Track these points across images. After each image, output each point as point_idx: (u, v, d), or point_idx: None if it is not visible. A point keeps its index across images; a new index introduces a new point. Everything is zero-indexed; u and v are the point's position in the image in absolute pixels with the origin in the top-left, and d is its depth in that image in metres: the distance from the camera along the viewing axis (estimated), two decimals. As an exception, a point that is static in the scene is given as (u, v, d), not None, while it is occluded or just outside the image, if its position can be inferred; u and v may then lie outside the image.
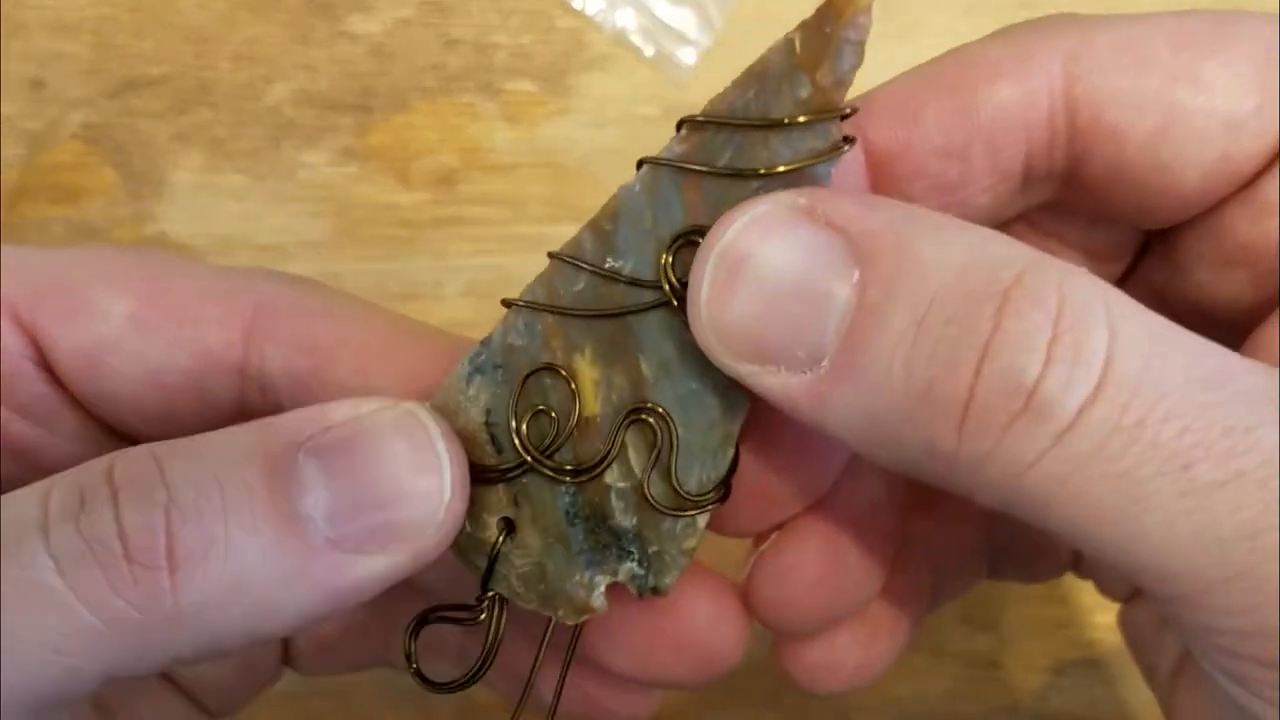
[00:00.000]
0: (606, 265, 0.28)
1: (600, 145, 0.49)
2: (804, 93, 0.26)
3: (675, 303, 0.27)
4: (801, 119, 0.26)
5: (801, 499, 0.31)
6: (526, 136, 0.49)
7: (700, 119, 0.27)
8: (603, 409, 0.28)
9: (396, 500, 0.26)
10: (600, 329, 0.28)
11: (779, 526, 0.31)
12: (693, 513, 0.28)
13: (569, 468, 0.28)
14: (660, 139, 0.27)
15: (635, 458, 0.28)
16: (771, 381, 0.25)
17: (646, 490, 0.28)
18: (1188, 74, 0.27)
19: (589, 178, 0.49)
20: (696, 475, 0.28)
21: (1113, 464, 0.22)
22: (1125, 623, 0.36)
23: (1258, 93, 0.27)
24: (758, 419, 0.28)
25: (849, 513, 0.31)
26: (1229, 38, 0.27)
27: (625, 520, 0.28)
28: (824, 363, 0.25)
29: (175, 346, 0.30)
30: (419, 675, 0.29)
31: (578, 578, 0.29)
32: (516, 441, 0.28)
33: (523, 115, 0.50)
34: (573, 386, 0.28)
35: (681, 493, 0.28)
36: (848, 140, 0.26)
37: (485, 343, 0.28)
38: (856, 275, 0.24)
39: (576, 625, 0.30)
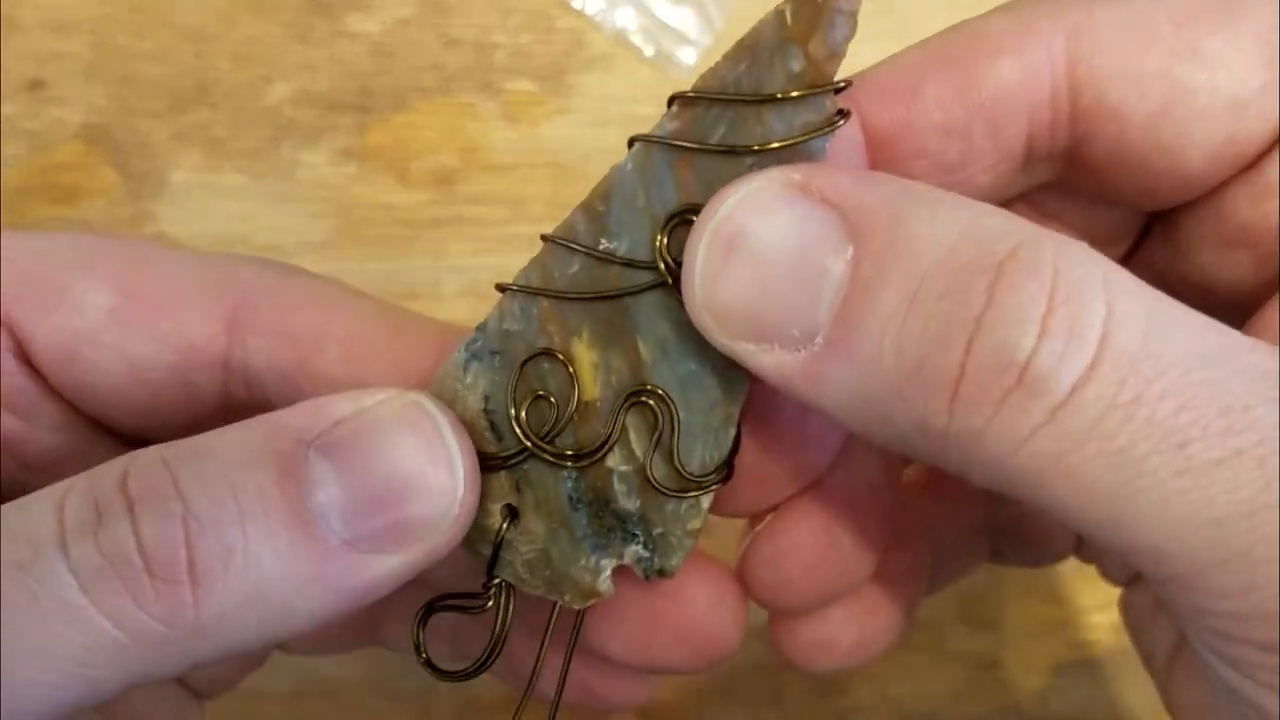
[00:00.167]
0: (600, 247, 0.27)
1: (600, 145, 0.49)
2: (796, 65, 0.25)
3: (671, 282, 0.27)
4: (794, 93, 0.25)
5: (798, 479, 0.30)
6: (526, 136, 0.49)
7: (691, 95, 0.26)
8: (602, 392, 0.28)
9: (410, 497, 0.26)
10: (597, 311, 0.28)
11: (775, 507, 0.31)
12: (696, 493, 0.28)
13: (570, 453, 0.28)
14: (660, 138, 0.27)
15: (637, 440, 0.28)
16: (766, 360, 0.25)
17: (649, 472, 0.28)
18: (1191, 50, 0.26)
19: (589, 177, 0.48)
20: (699, 456, 0.28)
21: (1108, 441, 0.22)
22: (1125, 607, 0.36)
23: (1263, 70, 0.26)
24: (755, 399, 0.28)
25: (845, 493, 0.31)
26: (1234, 13, 0.26)
27: (629, 503, 0.28)
28: (818, 340, 0.24)
29: (156, 339, 0.30)
30: (429, 664, 0.29)
31: (583, 562, 0.29)
32: (517, 428, 0.28)
33: (522, 115, 0.50)
34: (571, 371, 0.28)
35: (684, 474, 0.28)
36: (842, 114, 0.26)
37: (481, 329, 0.28)
38: (850, 251, 0.24)
39: (579, 612, 0.30)
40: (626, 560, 0.29)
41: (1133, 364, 0.22)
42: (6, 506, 0.24)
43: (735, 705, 0.46)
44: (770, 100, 0.26)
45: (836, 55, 0.25)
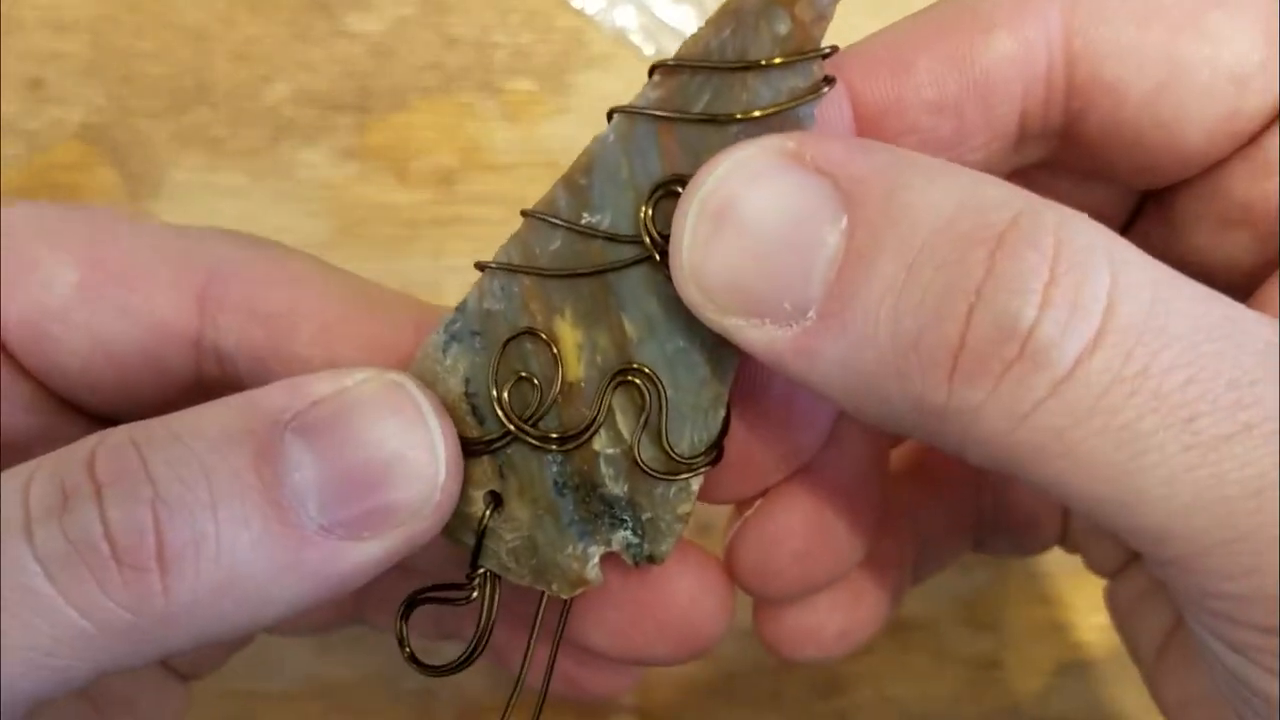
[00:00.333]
0: (583, 221, 0.27)
1: (600, 144, 0.49)
2: (783, 28, 0.25)
3: (657, 257, 0.26)
4: (779, 60, 0.25)
5: (787, 464, 0.30)
6: (526, 135, 0.49)
7: (673, 63, 0.26)
8: (587, 372, 0.27)
9: (390, 482, 0.25)
10: (580, 289, 0.27)
11: (763, 493, 0.30)
12: (686, 476, 0.27)
13: (555, 435, 0.27)
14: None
15: (623, 422, 0.27)
16: (756, 335, 0.24)
17: (637, 454, 0.27)
18: (1191, 23, 0.26)
19: (589, 177, 0.49)
20: (688, 437, 0.27)
21: (1113, 416, 0.21)
22: (1111, 598, 0.35)
23: (1264, 46, 0.26)
24: (743, 378, 0.27)
25: (835, 478, 0.30)
26: None
27: (616, 487, 0.27)
28: (810, 314, 0.24)
29: (125, 316, 0.29)
30: (413, 660, 0.28)
31: (570, 549, 0.28)
32: (499, 411, 0.27)
33: (522, 114, 0.49)
34: (555, 350, 0.27)
35: (673, 455, 0.27)
36: (828, 80, 0.25)
37: (460, 309, 0.28)
38: (845, 221, 0.23)
39: (566, 601, 0.29)
40: (615, 547, 0.28)
41: (1139, 335, 0.21)
42: None
43: (735, 705, 0.45)
44: (755, 67, 0.25)
45: (824, 18, 0.25)
